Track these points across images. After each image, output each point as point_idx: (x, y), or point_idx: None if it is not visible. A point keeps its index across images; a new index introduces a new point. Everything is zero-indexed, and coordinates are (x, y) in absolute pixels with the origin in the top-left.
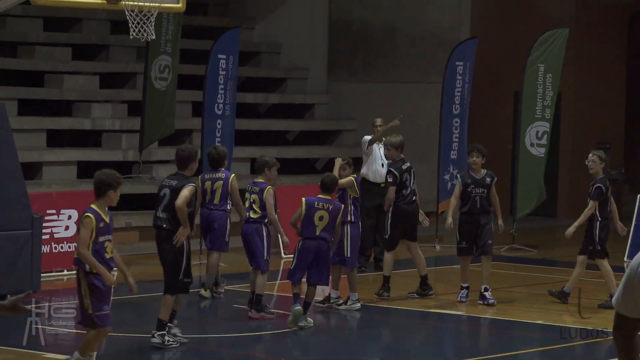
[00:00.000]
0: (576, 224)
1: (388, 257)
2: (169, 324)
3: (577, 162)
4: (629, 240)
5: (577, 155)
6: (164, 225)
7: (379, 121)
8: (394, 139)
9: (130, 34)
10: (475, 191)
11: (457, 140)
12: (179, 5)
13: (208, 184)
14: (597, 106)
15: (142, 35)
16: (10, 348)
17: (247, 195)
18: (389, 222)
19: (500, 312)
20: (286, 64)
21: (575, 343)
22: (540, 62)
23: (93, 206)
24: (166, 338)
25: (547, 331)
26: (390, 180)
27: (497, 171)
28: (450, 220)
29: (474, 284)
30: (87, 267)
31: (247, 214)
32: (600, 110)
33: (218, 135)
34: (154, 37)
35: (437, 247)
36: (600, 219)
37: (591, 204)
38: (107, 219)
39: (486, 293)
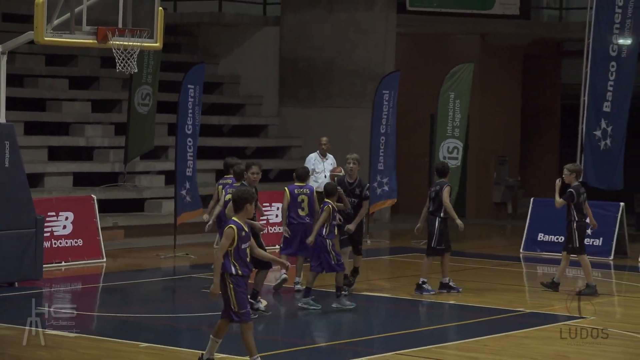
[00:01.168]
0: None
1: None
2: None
3: (482, 172)
4: (524, 234)
5: (482, 166)
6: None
7: (324, 139)
8: (357, 155)
9: (117, 67)
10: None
11: (383, 154)
12: (157, 44)
13: (230, 190)
14: (497, 127)
15: (127, 68)
16: (16, 326)
17: None
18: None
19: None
20: (244, 93)
21: (483, 319)
22: (451, 91)
23: (235, 218)
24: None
25: (458, 309)
26: (369, 194)
27: (416, 180)
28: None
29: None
30: (233, 270)
31: None
32: (500, 130)
33: (190, 151)
34: (136, 70)
35: (368, 241)
36: (577, 220)
37: (561, 202)
38: (246, 229)
39: (451, 283)
